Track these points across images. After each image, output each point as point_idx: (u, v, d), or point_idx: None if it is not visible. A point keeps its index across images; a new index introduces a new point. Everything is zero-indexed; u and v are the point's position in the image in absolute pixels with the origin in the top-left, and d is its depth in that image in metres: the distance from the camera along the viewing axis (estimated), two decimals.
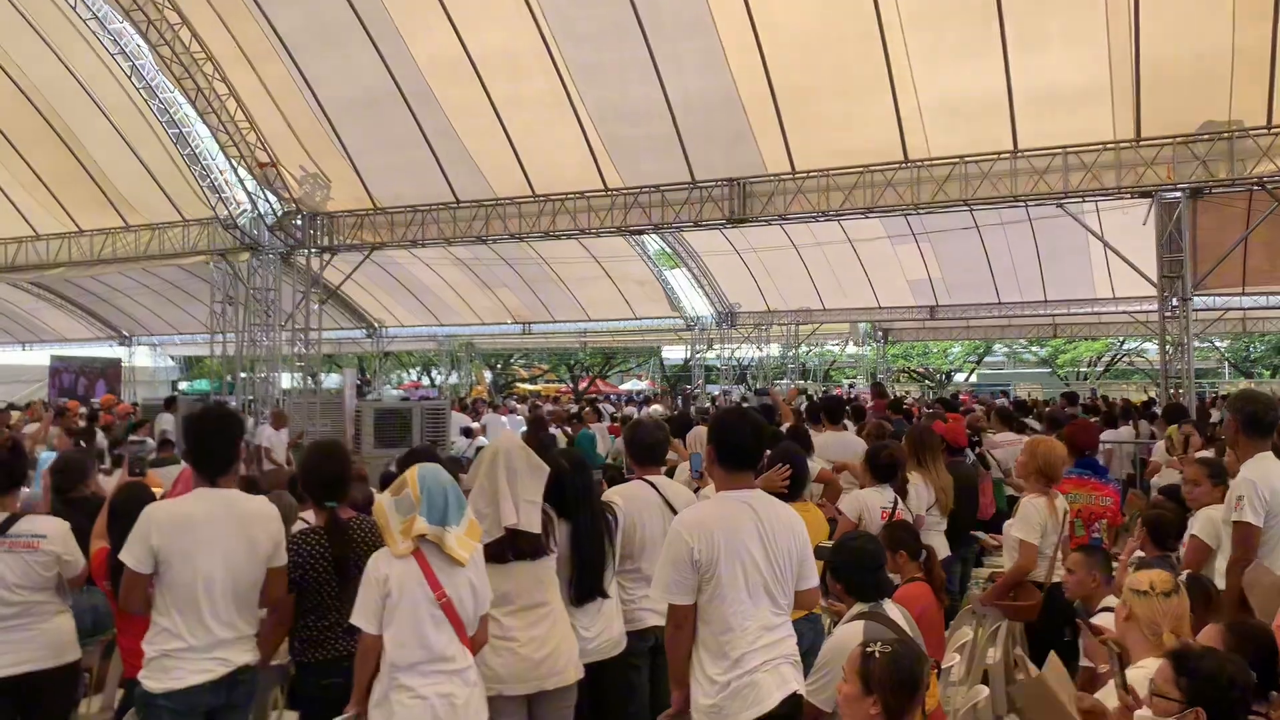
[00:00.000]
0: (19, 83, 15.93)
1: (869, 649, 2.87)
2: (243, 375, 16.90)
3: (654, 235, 20.37)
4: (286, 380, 17.63)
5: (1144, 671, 3.25)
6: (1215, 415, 14.26)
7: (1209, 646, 3.27)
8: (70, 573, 4.28)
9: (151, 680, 3.62)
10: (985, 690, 4.28)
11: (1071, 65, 11.57)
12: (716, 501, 3.59)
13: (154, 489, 5.46)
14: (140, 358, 31.57)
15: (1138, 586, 3.68)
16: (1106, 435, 12.00)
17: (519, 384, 46.91)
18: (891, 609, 3.90)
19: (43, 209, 18.67)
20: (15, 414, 17.13)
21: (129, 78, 14.59)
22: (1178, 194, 12.06)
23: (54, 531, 4.27)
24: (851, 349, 32.62)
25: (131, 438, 11.84)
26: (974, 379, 41.92)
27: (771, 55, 12.27)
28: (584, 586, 4.13)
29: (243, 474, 5.86)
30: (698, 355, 27.77)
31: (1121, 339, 34.61)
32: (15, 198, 18.54)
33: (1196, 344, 15.39)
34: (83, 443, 11.72)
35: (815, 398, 14.27)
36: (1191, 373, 12.99)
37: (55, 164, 17.43)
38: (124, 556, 3.65)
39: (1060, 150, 12.14)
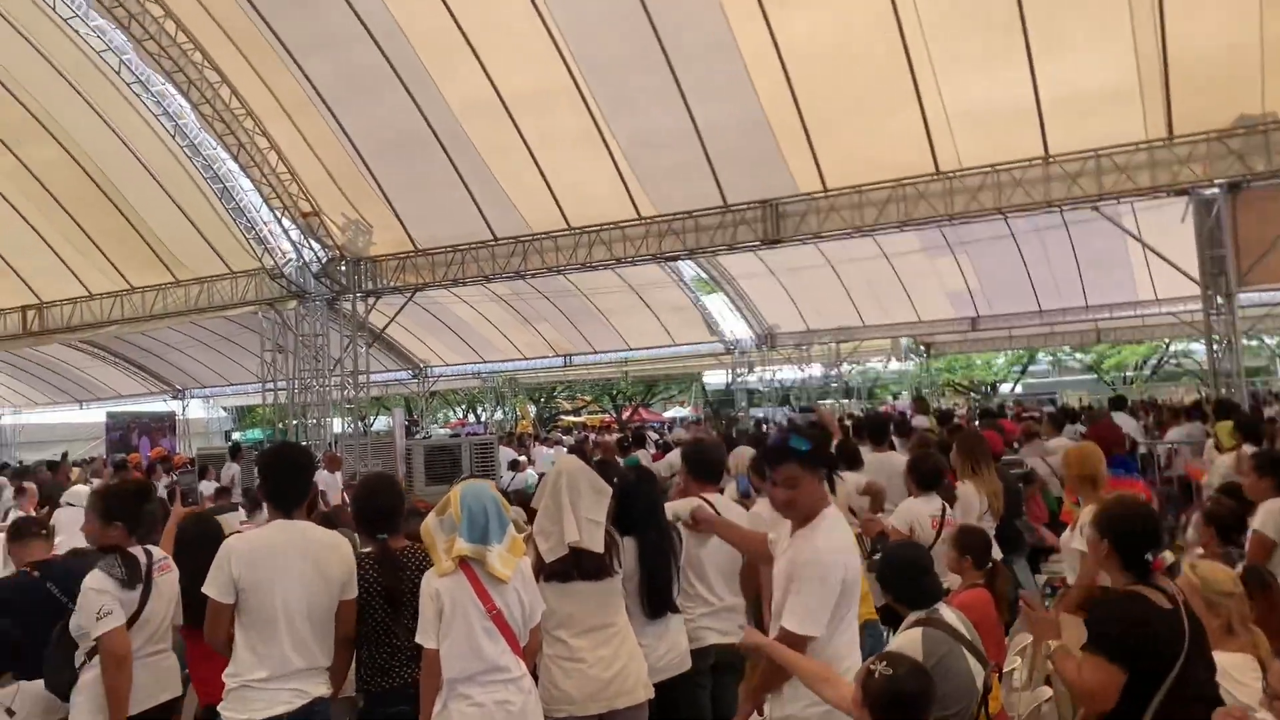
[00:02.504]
0: (69, 148, 16.41)
1: (872, 667, 2.93)
2: (294, 422, 17.16)
3: (690, 261, 20.48)
4: (337, 424, 17.87)
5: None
6: (1271, 411, 14.08)
7: None
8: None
9: (231, 711, 3.70)
10: (1049, 691, 4.29)
11: (1098, 67, 11.55)
12: (836, 521, 3.46)
13: None
14: (193, 410, 32.14)
15: (1222, 588, 3.71)
16: (1170, 435, 12.03)
17: (563, 416, 47.08)
18: (949, 614, 3.91)
19: (95, 269, 19.13)
20: (75, 470, 17.57)
21: (173, 137, 15.01)
22: (1215, 190, 11.98)
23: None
24: (894, 365, 32.39)
25: (180, 472, 12.21)
26: (1019, 389, 41.44)
27: (796, 75, 12.38)
28: (655, 600, 4.18)
29: (320, 511, 6.01)
30: (739, 379, 27.74)
31: (1168, 341, 34.08)
32: (68, 259, 19.03)
33: (1245, 341, 15.17)
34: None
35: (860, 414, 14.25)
36: (1241, 370, 12.82)
37: (105, 224, 17.87)
38: (207, 589, 3.76)
39: (1092, 153, 12.12)
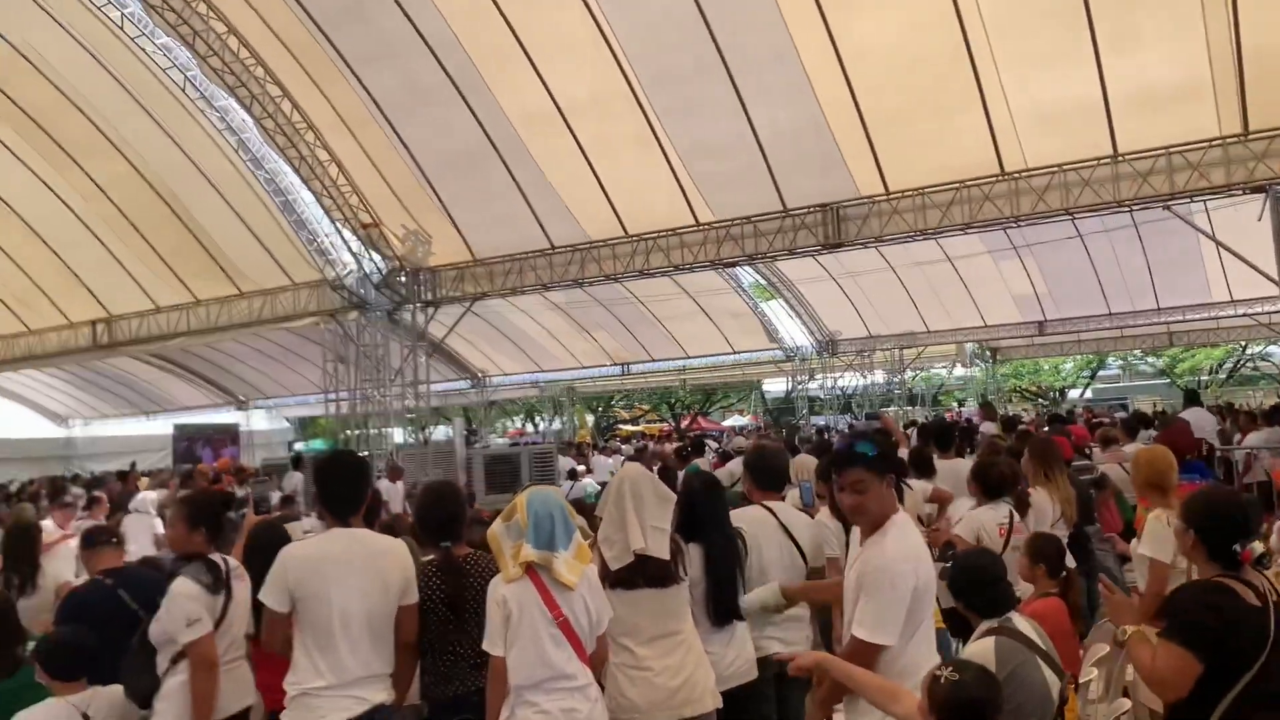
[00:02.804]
0: (135, 164, 16.79)
1: (938, 673, 2.86)
2: (356, 432, 17.35)
3: (748, 267, 20.37)
4: (398, 434, 18.02)
5: None
6: None
7: None
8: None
9: (294, 719, 3.72)
10: (1127, 703, 4.13)
11: (1169, 63, 11.22)
12: (906, 528, 3.39)
13: None
14: (257, 421, 32.70)
15: None
16: (1249, 440, 11.67)
17: (621, 425, 47.15)
18: (1022, 623, 3.80)
19: (161, 282, 19.52)
20: (144, 479, 17.94)
21: (236, 151, 15.30)
22: None
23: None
24: (959, 371, 31.96)
25: (255, 480, 12.47)
26: (1089, 394, 40.62)
27: (857, 79, 12.23)
28: (721, 608, 4.13)
29: (381, 520, 6.02)
30: (799, 386, 27.53)
31: (1244, 343, 33.16)
32: (136, 273, 19.45)
33: None
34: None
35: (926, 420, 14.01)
36: None
37: (171, 238, 18.23)
38: (263, 597, 3.78)
39: (1163, 151, 11.77)
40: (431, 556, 4.14)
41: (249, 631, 4.47)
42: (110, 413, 32.33)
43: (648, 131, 13.60)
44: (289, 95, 14.59)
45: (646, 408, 49.66)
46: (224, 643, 4.23)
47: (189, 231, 17.96)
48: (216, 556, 4.36)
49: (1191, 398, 14.01)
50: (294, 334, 22.70)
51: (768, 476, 4.86)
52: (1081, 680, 4.35)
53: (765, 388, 44.07)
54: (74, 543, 7.94)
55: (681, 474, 7.62)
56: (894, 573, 3.19)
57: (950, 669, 2.86)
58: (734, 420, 45.67)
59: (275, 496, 13.69)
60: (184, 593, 4.13)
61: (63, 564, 7.28)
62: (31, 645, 4.58)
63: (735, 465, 9.60)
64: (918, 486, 6.71)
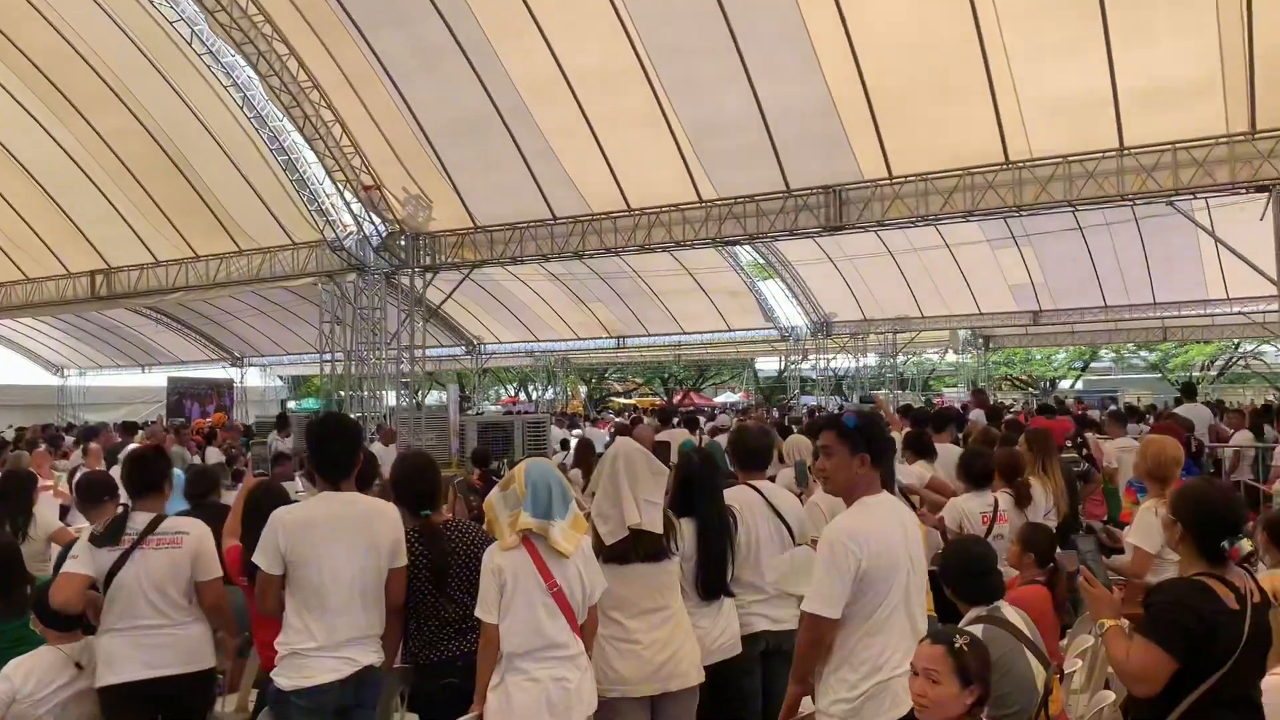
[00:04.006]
0: (140, 117, 16.68)
1: (955, 644, 2.86)
2: (349, 394, 17.36)
3: (747, 246, 20.35)
4: (392, 398, 18.06)
5: None
6: None
7: None
8: (203, 574, 4.22)
9: (283, 678, 3.72)
10: (1111, 695, 4.18)
11: (1180, 58, 11.18)
12: (868, 510, 3.42)
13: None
14: (251, 378, 32.68)
15: None
16: (1236, 438, 11.68)
17: (613, 398, 47.19)
18: (1010, 613, 3.85)
19: (162, 236, 19.45)
20: (139, 433, 17.94)
21: (240, 108, 15.18)
22: None
23: (195, 530, 4.30)
24: (951, 357, 32.01)
25: (254, 441, 12.46)
26: (1080, 386, 40.71)
27: (866, 61, 12.17)
28: (712, 582, 4.16)
29: (379, 484, 6.00)
30: (792, 366, 27.57)
31: (1237, 341, 33.26)
32: (136, 226, 19.37)
33: None
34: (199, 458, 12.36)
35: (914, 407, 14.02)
36: None
37: (173, 192, 18.16)
38: (256, 559, 3.78)
39: (1169, 146, 11.75)
40: (412, 525, 4.14)
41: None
42: (105, 364, 32.32)
43: (654, 105, 13.53)
44: (295, 53, 14.45)
45: (640, 381, 49.69)
46: (118, 604, 4.05)
47: (190, 186, 17.87)
48: (141, 514, 4.22)
49: (1189, 391, 14.02)
50: (291, 293, 22.70)
51: (750, 457, 4.88)
52: (1066, 671, 4.39)
53: (758, 366, 44.13)
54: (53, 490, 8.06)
55: (675, 449, 7.65)
56: (833, 545, 3.27)
57: (960, 637, 2.90)
58: (726, 396, 45.75)
59: (267, 452, 13.73)
60: (81, 538, 4.19)
61: (49, 510, 7.34)
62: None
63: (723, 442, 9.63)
64: (910, 470, 6.75)
